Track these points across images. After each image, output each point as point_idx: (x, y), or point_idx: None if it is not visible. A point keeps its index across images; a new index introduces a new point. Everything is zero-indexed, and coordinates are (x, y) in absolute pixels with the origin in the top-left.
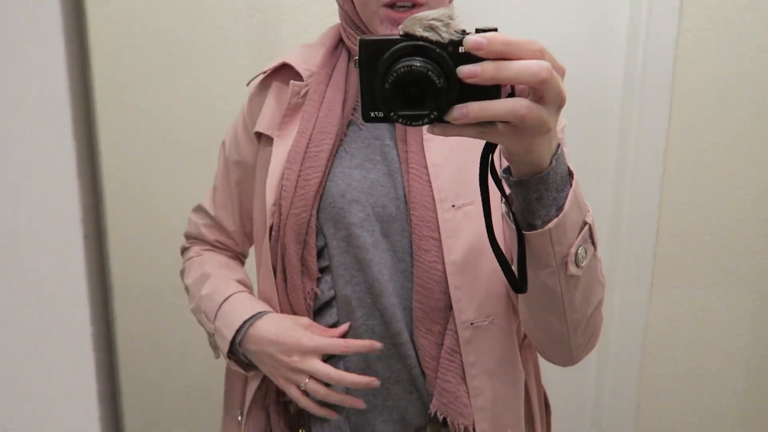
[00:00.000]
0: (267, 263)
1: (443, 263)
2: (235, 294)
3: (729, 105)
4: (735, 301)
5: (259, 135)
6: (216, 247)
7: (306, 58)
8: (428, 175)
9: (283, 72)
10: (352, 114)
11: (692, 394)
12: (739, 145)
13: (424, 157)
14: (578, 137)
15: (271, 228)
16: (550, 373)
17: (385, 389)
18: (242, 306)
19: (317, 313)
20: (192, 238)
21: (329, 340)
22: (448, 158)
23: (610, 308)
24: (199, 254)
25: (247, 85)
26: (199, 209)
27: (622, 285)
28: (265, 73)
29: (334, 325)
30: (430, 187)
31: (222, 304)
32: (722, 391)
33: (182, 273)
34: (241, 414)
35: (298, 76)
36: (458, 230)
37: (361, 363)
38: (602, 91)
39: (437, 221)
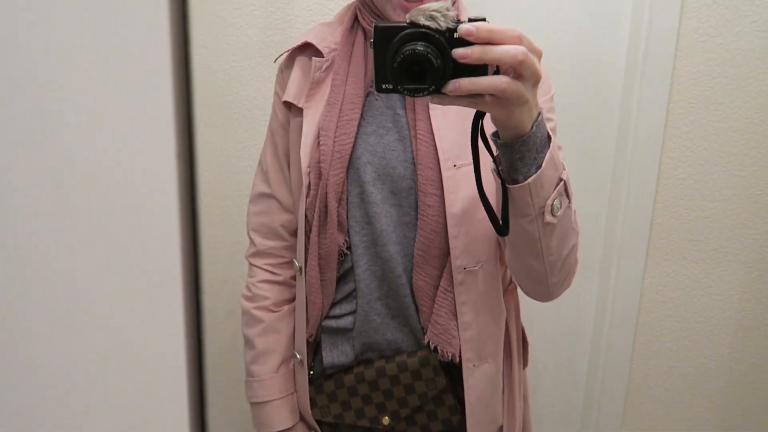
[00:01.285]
0: (302, 219)
1: (444, 216)
2: (272, 402)
3: (727, 85)
4: (725, 274)
5: (289, 105)
6: (281, 238)
7: (325, 36)
8: (434, 139)
9: (306, 49)
10: (370, 87)
11: (682, 361)
12: (735, 124)
13: (430, 124)
14: (580, 114)
15: (308, 188)
16: (549, 339)
17: (384, 324)
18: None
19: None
20: (256, 231)
21: None
22: (450, 124)
23: (607, 279)
24: (256, 303)
25: (275, 62)
26: (256, 198)
27: (618, 258)
28: (288, 51)
29: (348, 270)
30: (435, 149)
31: (257, 402)
32: (711, 357)
33: (244, 309)
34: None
35: (318, 53)
36: (458, 187)
37: (364, 304)
38: (605, 68)
39: (441, 179)
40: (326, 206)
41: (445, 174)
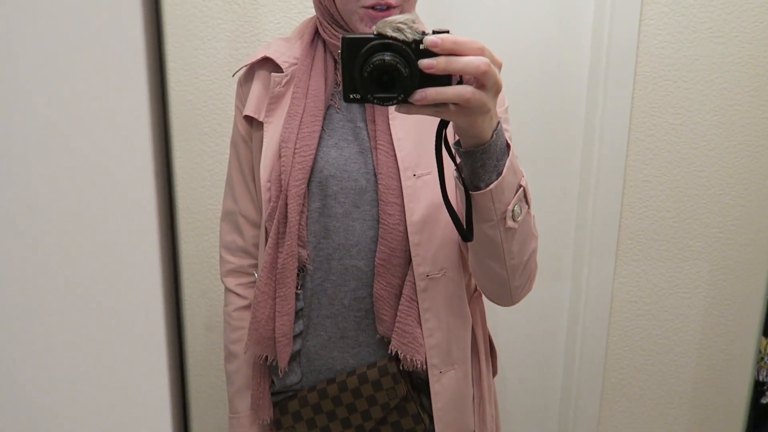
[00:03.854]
0: (263, 232)
1: (405, 224)
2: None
3: (686, 89)
4: (693, 272)
5: (250, 119)
6: (250, 255)
7: (284, 51)
8: (393, 149)
9: (265, 63)
10: (330, 99)
11: (654, 357)
12: (695, 126)
13: (390, 134)
14: (546, 122)
15: (269, 201)
16: (522, 343)
17: (331, 343)
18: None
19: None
20: (226, 249)
21: None
22: (409, 134)
23: (579, 281)
24: (233, 335)
25: (233, 75)
26: (225, 215)
27: (588, 260)
28: (246, 66)
29: (297, 287)
30: (395, 158)
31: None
32: (681, 354)
33: (224, 343)
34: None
35: (278, 68)
36: (418, 195)
37: (324, 318)
38: (569, 75)
39: (401, 188)
40: (286, 218)
41: (405, 183)
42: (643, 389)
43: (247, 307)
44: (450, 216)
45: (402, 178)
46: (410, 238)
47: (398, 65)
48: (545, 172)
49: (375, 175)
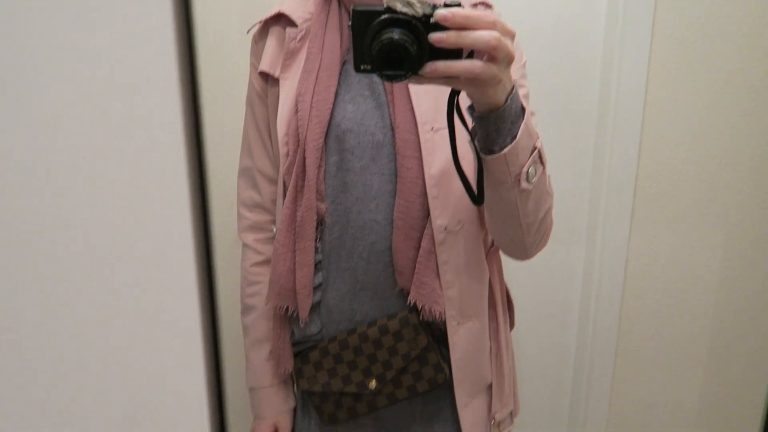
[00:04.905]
0: (281, 187)
1: (423, 178)
2: (263, 389)
3: (708, 49)
4: (710, 235)
5: (265, 76)
6: (267, 211)
7: (298, 7)
8: (411, 103)
9: (280, 19)
10: (346, 55)
11: (669, 321)
12: (717, 89)
13: (407, 89)
14: (562, 83)
15: (287, 155)
16: (536, 308)
17: (350, 295)
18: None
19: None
20: (243, 205)
21: None
22: (427, 89)
23: (593, 245)
24: (249, 290)
25: (248, 32)
26: (242, 172)
27: (603, 223)
28: (261, 22)
29: (315, 240)
30: (413, 113)
31: (250, 388)
32: (697, 317)
33: (240, 296)
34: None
35: (292, 24)
36: (436, 149)
37: (342, 270)
38: (584, 34)
39: (418, 143)
40: (304, 172)
41: (423, 137)
42: (657, 353)
43: (263, 263)
44: (461, 180)
45: (420, 132)
46: (428, 192)
47: (406, 44)
48: (561, 134)
49: (392, 129)
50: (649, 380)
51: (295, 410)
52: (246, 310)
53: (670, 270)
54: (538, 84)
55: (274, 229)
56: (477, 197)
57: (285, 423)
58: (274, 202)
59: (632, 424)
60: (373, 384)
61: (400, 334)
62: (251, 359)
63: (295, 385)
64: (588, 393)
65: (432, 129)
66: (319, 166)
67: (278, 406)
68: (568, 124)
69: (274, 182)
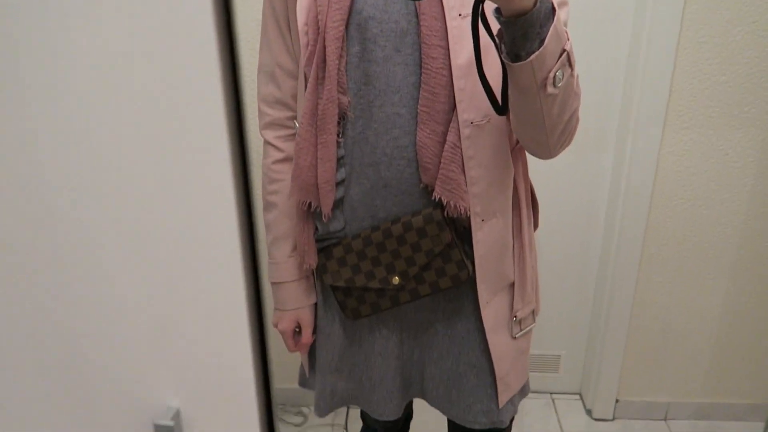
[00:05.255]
0: (301, 81)
1: (449, 68)
2: (286, 284)
3: None
4: (745, 140)
5: None
6: (288, 107)
7: None
8: None
9: None
10: None
11: (697, 228)
12: None
13: None
14: None
15: (307, 45)
16: (561, 212)
17: (374, 191)
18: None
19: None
20: (264, 102)
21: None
22: None
23: (622, 150)
24: (271, 187)
25: None
26: (261, 67)
27: (634, 127)
28: None
29: (338, 134)
30: None
31: (273, 283)
32: (726, 225)
33: (262, 194)
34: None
35: None
36: (463, 37)
37: (366, 166)
38: None
39: (446, 30)
40: (324, 63)
41: (450, 24)
42: (682, 260)
43: (284, 160)
44: (483, 88)
45: (447, 19)
46: (455, 83)
47: None
48: (594, 31)
49: (417, 16)
50: (672, 286)
51: (315, 305)
52: (267, 207)
53: (702, 176)
54: None
55: (297, 125)
56: (501, 107)
57: (306, 317)
58: (294, 97)
59: (653, 330)
60: (396, 280)
61: (424, 231)
62: (273, 255)
63: (316, 281)
64: (611, 297)
65: (459, 15)
66: (341, 56)
67: (300, 300)
68: (601, 24)
69: (294, 77)
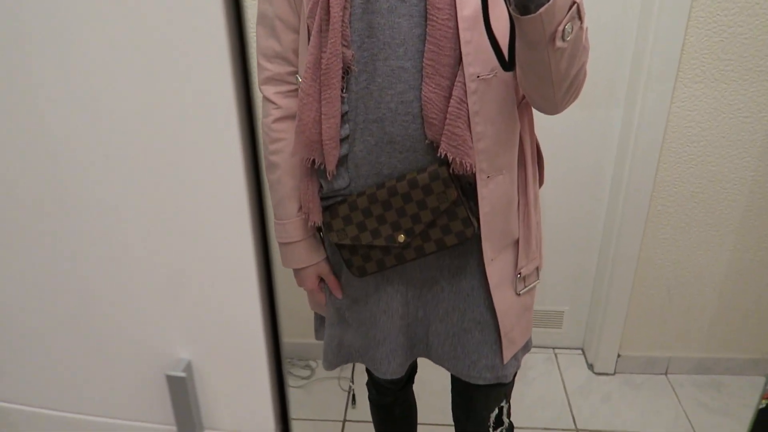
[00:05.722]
0: (304, 33)
1: (455, 20)
2: (293, 243)
3: None
4: (759, 95)
5: None
6: (288, 62)
7: None
8: None
9: None
10: None
11: (706, 185)
12: None
13: None
14: None
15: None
16: (567, 167)
17: (378, 147)
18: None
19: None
20: (263, 55)
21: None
22: None
23: (633, 103)
24: (273, 147)
25: None
26: (260, 19)
27: (646, 80)
28: None
29: (342, 89)
30: None
31: (281, 243)
32: (734, 182)
33: (264, 153)
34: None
35: None
36: None
37: (370, 122)
38: None
39: None
40: (328, 14)
41: None
42: (689, 217)
43: (285, 118)
44: (490, 42)
45: None
46: (461, 35)
47: None
48: None
49: None
50: (679, 243)
51: (328, 259)
52: (270, 167)
53: (713, 132)
54: None
55: (298, 79)
56: (507, 63)
57: (325, 268)
58: (295, 51)
59: (657, 286)
60: (401, 238)
61: (429, 188)
62: (280, 216)
63: (322, 238)
64: (616, 253)
65: None
66: (345, 8)
67: (312, 257)
68: None
69: (295, 30)
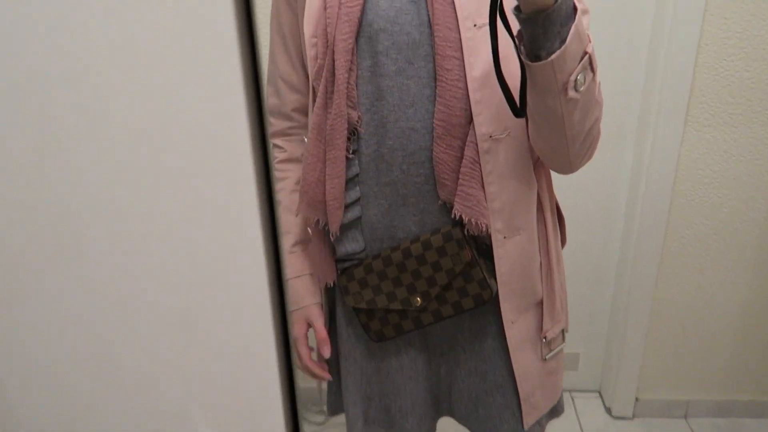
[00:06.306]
0: (311, 94)
1: (465, 80)
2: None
3: None
4: (766, 137)
5: None
6: (290, 119)
7: None
8: None
9: None
10: None
11: (719, 226)
12: None
13: None
14: None
15: (315, 59)
16: (580, 208)
17: (392, 210)
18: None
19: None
20: (271, 113)
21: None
22: None
23: (642, 146)
24: (277, 178)
25: None
26: (268, 79)
27: (655, 123)
28: None
29: (353, 152)
30: (453, 7)
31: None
32: (747, 224)
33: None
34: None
35: None
36: (479, 48)
37: (383, 185)
38: None
39: (460, 40)
40: (333, 76)
41: (465, 35)
42: (704, 257)
43: (288, 160)
44: (500, 88)
45: (461, 29)
46: (471, 96)
47: None
48: (614, 29)
49: (430, 26)
50: (693, 284)
51: (322, 306)
52: (278, 205)
53: (724, 174)
54: None
55: (305, 139)
56: (519, 108)
57: (315, 312)
58: (296, 110)
59: (673, 327)
60: (417, 301)
61: (443, 249)
62: (288, 273)
63: (338, 302)
64: (630, 294)
65: (475, 25)
66: (350, 69)
67: (304, 298)
68: (620, 19)
69: (297, 91)
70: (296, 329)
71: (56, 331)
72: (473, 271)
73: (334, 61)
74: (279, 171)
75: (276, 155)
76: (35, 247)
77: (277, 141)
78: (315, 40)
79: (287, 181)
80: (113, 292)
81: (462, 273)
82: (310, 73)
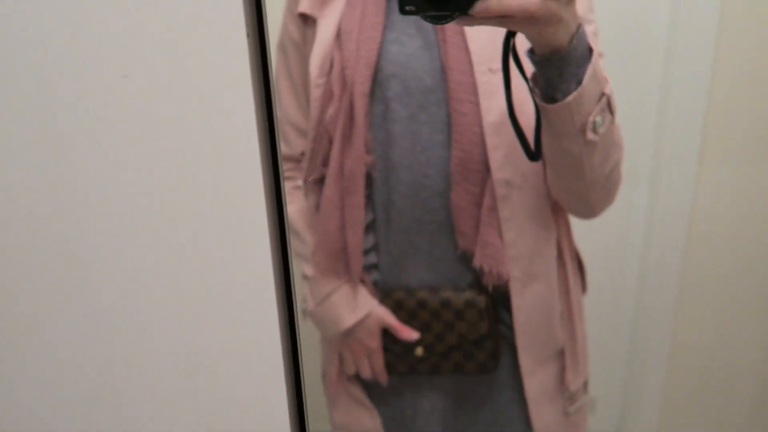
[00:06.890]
0: (311, 139)
1: (481, 125)
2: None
3: None
4: None
5: (304, 17)
6: (295, 161)
7: None
8: (465, 41)
9: None
10: None
11: (739, 268)
12: None
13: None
14: (627, 15)
15: (330, 98)
16: (593, 251)
17: (405, 258)
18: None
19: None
20: (285, 161)
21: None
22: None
23: (657, 187)
24: (289, 201)
25: None
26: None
27: (668, 164)
28: None
29: (366, 197)
30: (467, 51)
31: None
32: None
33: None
34: None
35: None
36: (494, 93)
37: (396, 232)
38: None
39: (475, 84)
40: (352, 119)
41: (480, 79)
42: (722, 299)
43: (300, 186)
44: (515, 132)
45: (476, 74)
46: (487, 141)
47: None
48: (624, 67)
49: (442, 72)
50: (712, 325)
51: None
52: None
53: (742, 215)
54: (600, 12)
55: (300, 183)
56: (534, 152)
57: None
58: (302, 153)
59: (692, 371)
60: (419, 351)
61: (462, 314)
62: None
63: None
64: (647, 338)
65: (489, 70)
66: (366, 113)
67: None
68: (630, 57)
69: (303, 134)
70: (373, 340)
71: (56, 331)
72: (486, 342)
73: (352, 103)
74: (290, 194)
75: (289, 184)
76: (39, 290)
77: (292, 174)
78: (321, 80)
79: (296, 205)
80: (120, 326)
81: (474, 341)
82: (312, 114)
